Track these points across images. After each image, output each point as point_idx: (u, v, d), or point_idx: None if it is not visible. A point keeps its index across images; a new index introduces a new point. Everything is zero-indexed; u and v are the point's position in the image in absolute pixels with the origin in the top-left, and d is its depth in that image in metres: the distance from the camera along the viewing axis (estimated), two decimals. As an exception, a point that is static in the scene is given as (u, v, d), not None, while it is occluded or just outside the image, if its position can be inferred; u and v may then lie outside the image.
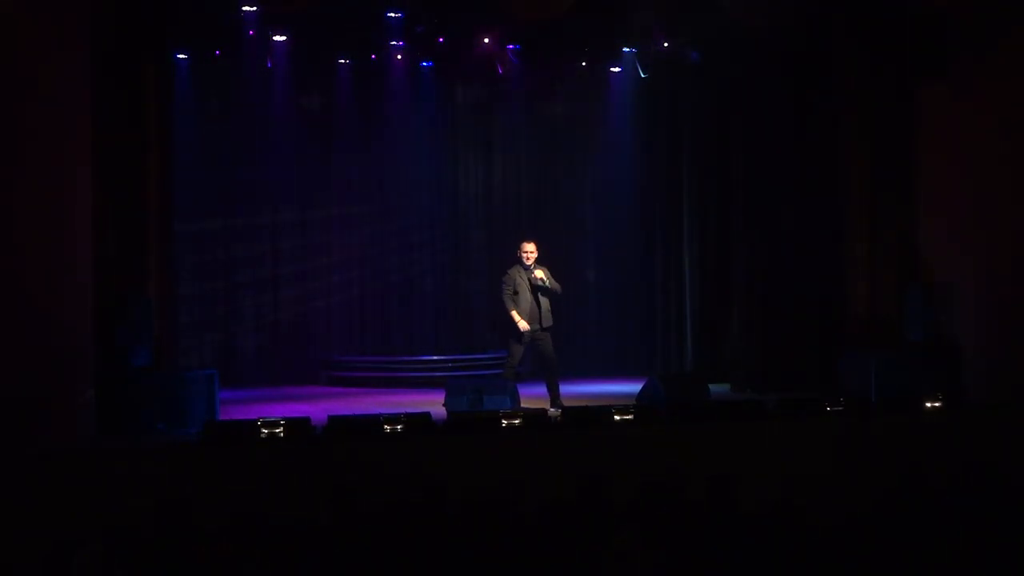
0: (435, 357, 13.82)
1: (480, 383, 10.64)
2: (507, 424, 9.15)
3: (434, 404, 10.87)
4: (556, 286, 10.93)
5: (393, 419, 9.00)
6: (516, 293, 10.81)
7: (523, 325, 10.71)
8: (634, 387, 11.45)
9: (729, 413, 10.18)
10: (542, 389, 11.26)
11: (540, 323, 10.84)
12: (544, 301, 10.85)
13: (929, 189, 12.36)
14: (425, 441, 8.96)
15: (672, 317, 14.34)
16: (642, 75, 13.25)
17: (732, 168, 13.52)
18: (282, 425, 8.81)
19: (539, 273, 10.84)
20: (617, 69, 13.88)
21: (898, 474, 6.58)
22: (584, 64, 13.81)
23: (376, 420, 9.09)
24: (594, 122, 14.57)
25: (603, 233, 14.75)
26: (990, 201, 11.59)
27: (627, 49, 13.26)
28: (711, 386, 11.39)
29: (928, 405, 10.08)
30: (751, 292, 13.00)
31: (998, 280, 11.37)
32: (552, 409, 10.46)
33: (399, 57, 13.08)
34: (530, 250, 10.87)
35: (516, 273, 10.90)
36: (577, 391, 12.51)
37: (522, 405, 10.33)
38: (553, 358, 10.97)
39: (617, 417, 9.43)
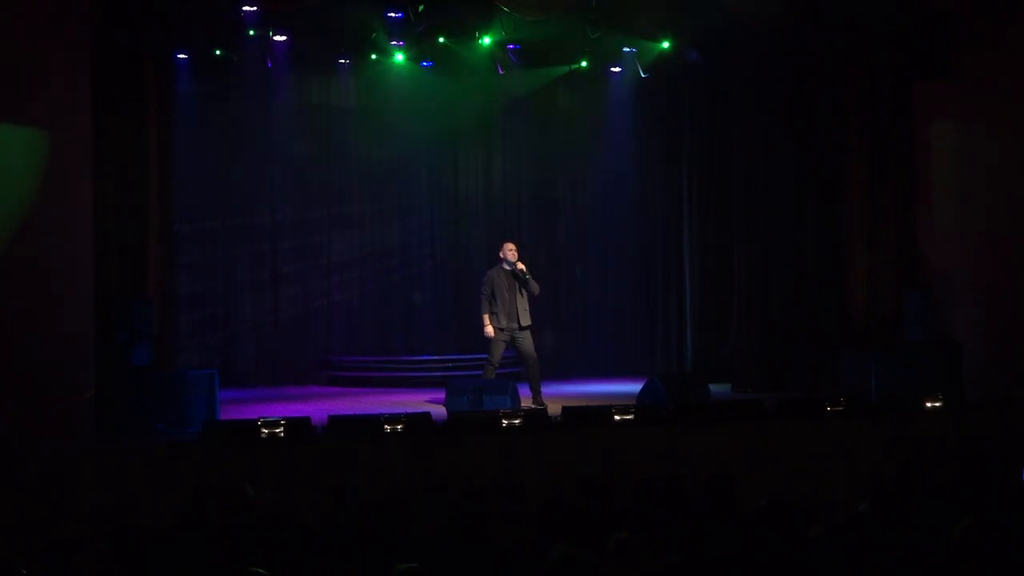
0: (435, 357, 13.78)
1: (480, 383, 10.60)
2: (507, 424, 9.17)
3: (434, 404, 10.89)
4: (535, 286, 10.98)
5: (393, 419, 9.01)
6: (493, 295, 10.88)
7: (488, 331, 10.85)
8: (634, 387, 11.44)
9: (729, 413, 10.20)
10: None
11: (518, 321, 10.89)
12: (522, 300, 10.91)
13: (928, 189, 12.37)
14: (425, 441, 8.97)
15: (672, 317, 14.33)
16: (642, 75, 13.23)
17: (732, 168, 13.51)
18: (282, 425, 8.83)
19: (522, 265, 10.92)
20: (617, 69, 13.87)
21: (898, 473, 6.58)
22: (584, 64, 13.80)
23: (376, 420, 9.10)
24: (594, 122, 14.52)
25: (603, 233, 14.72)
26: (990, 201, 11.59)
27: (627, 49, 13.23)
28: (711, 386, 11.39)
29: (928, 405, 10.10)
30: (751, 292, 13.00)
31: (998, 280, 11.38)
32: (533, 406, 10.52)
33: (399, 57, 13.06)
34: (512, 248, 10.99)
35: (495, 274, 10.98)
36: (577, 391, 12.51)
37: (522, 405, 10.33)
38: (533, 356, 10.99)
39: (617, 417, 9.45)
